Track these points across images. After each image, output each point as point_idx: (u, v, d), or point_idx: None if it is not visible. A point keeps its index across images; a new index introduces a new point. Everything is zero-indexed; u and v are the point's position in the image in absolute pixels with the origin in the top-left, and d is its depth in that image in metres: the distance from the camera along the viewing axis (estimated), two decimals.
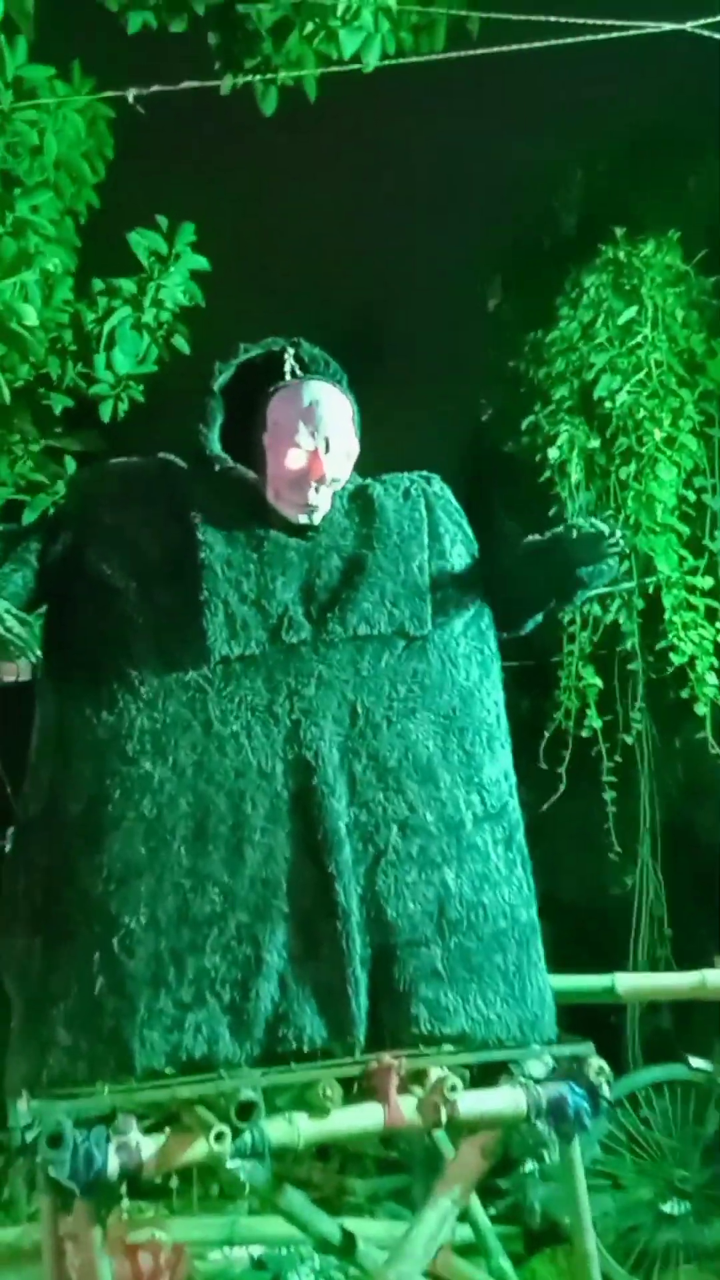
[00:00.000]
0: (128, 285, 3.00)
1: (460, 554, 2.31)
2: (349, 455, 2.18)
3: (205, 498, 2.15)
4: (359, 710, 2.12)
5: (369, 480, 2.30)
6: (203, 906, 1.98)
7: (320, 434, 2.11)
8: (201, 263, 3.05)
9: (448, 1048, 2.06)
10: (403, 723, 2.15)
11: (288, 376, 2.23)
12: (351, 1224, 2.82)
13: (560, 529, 2.24)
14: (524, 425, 3.92)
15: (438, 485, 2.36)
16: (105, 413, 3.33)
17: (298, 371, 2.21)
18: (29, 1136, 1.80)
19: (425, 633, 2.20)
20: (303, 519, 2.14)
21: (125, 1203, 1.94)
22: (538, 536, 2.31)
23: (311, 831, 2.04)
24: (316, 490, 2.11)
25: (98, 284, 3.02)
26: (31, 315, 2.52)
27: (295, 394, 2.15)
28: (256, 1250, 3.04)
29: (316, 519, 2.16)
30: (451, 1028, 2.05)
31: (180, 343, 3.28)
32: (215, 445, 2.22)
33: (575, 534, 2.16)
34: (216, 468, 2.20)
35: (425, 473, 2.37)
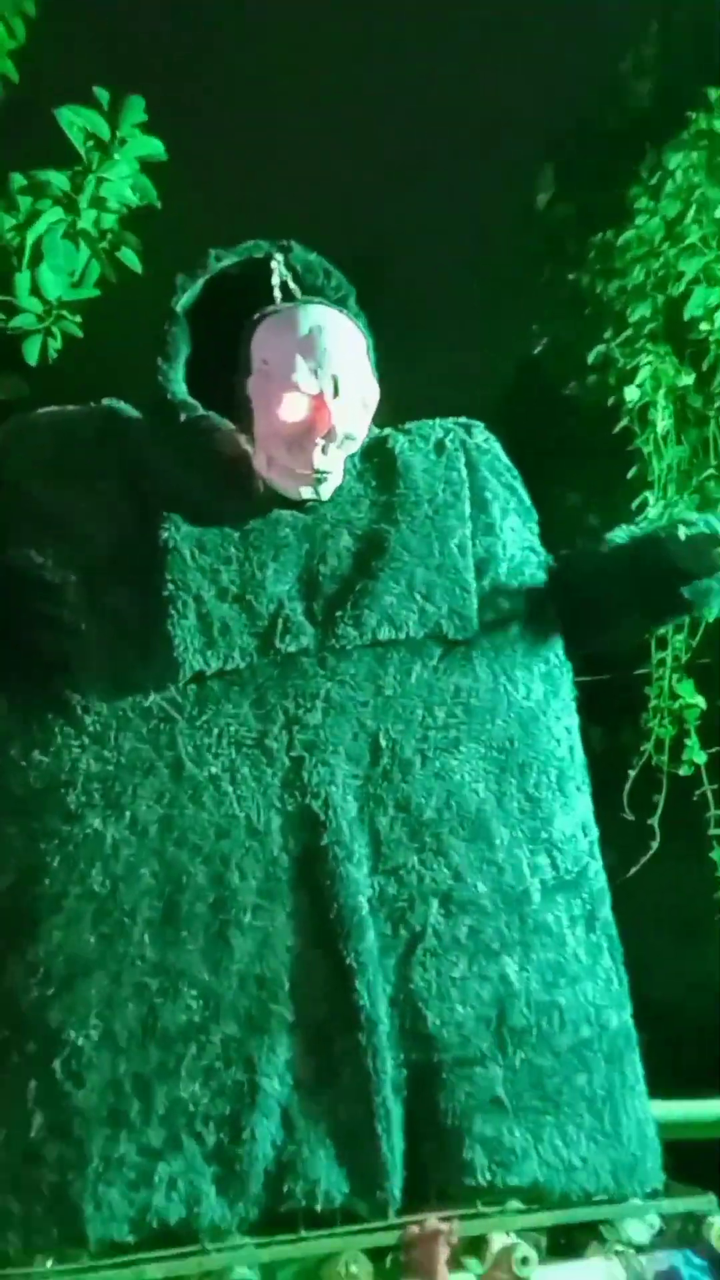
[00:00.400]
0: (58, 180, 2.93)
1: (514, 526, 2.28)
2: (365, 403, 2.12)
3: (167, 458, 2.12)
4: (382, 742, 2.09)
5: (388, 431, 2.27)
6: (175, 1015, 1.93)
7: (326, 372, 2.06)
8: (155, 147, 2.98)
9: (515, 1205, 2.01)
10: (443, 759, 2.11)
11: (277, 295, 2.20)
12: None
13: (659, 527, 2.22)
14: (591, 358, 3.85)
15: (481, 435, 2.33)
16: (31, 353, 3.25)
17: (292, 288, 2.18)
18: None
19: (470, 635, 2.17)
20: (307, 493, 2.10)
21: None
22: (625, 533, 2.28)
23: (322, 910, 2.00)
24: (325, 450, 2.06)
25: (18, 180, 2.95)
26: None
27: (288, 321, 2.11)
28: None
29: (325, 492, 2.11)
30: (519, 1177, 1.99)
31: (130, 257, 3.20)
32: (180, 388, 2.19)
33: (682, 535, 2.11)
34: (182, 418, 2.15)
35: (464, 419, 2.34)
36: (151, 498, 2.07)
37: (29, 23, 3.42)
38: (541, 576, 2.30)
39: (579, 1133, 2.03)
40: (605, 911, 2.19)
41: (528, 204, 4.32)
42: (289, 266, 2.22)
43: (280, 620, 2.06)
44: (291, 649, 2.06)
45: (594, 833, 2.24)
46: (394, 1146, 1.95)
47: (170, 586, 2.02)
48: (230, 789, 2.01)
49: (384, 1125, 1.94)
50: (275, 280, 2.21)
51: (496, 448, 2.34)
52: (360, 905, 2.00)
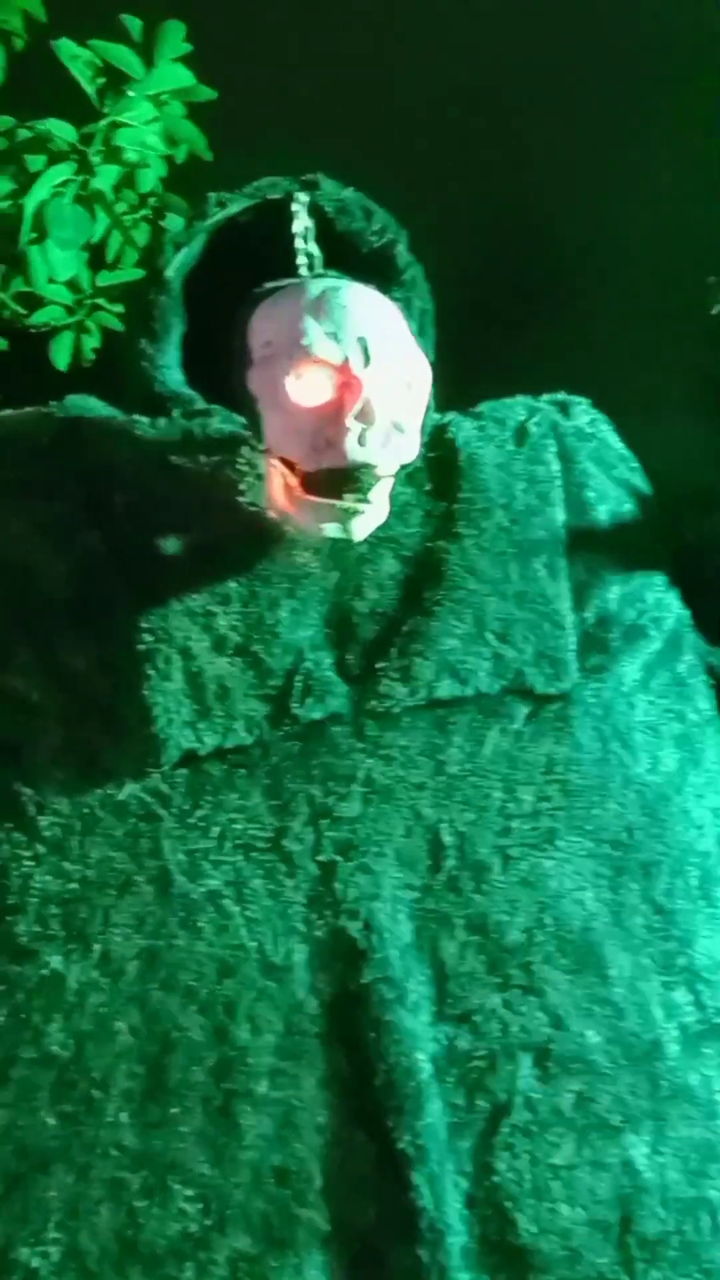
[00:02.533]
0: (63, 130, 2.80)
1: (629, 533, 2.13)
2: (410, 384, 1.90)
3: (151, 471, 1.99)
4: (446, 839, 1.94)
5: (451, 415, 2.13)
6: (165, 1225, 1.78)
7: (348, 334, 1.87)
8: (182, 77, 2.83)
9: None
10: (532, 859, 1.96)
11: (299, 245, 2.10)
12: None
13: None
14: None
15: (583, 416, 2.19)
16: (61, 355, 3.13)
17: (313, 255, 2.08)
18: None
19: (568, 688, 2.02)
20: (333, 532, 1.87)
21: None
22: None
23: (365, 1075, 1.84)
24: (362, 440, 1.83)
25: (4, 124, 2.83)
26: None
27: (294, 290, 1.96)
28: None
29: (360, 531, 1.88)
30: None
31: (176, 223, 3.07)
32: (171, 375, 2.10)
33: None
34: (175, 414, 2.04)
35: (560, 395, 2.21)
36: (124, 522, 1.96)
37: None
38: (673, 600, 2.16)
39: None
40: None
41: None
42: (316, 209, 2.10)
43: (300, 677, 1.93)
44: (317, 716, 1.93)
45: None
46: None
47: (148, 638, 1.90)
48: (236, 909, 1.89)
49: None
50: (296, 227, 2.10)
51: (606, 431, 2.20)
52: (419, 1067, 1.84)
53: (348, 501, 1.84)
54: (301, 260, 2.09)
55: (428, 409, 1.99)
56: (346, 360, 1.87)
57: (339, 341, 1.88)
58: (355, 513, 1.88)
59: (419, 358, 1.96)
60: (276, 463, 1.94)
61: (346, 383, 1.88)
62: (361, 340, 1.88)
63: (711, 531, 2.21)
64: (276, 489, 1.96)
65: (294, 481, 1.90)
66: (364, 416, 1.86)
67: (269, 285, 2.02)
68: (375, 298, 1.98)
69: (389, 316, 1.97)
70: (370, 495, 1.86)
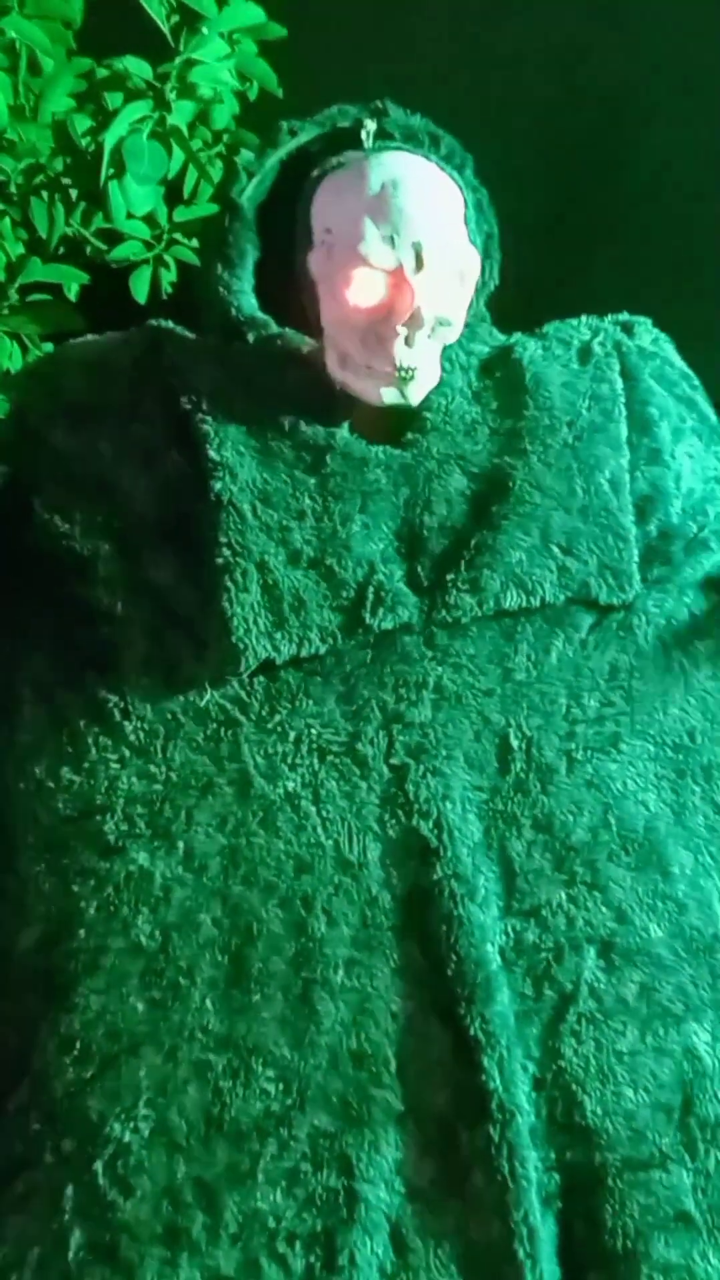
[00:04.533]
0: (138, 67, 2.81)
1: (692, 452, 2.11)
2: (461, 276, 1.98)
3: (227, 391, 2.00)
4: (514, 743, 1.93)
5: (516, 336, 2.13)
6: (249, 1104, 1.78)
7: (405, 238, 1.91)
8: (253, 14, 2.83)
9: None
10: (596, 762, 1.95)
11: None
12: None
13: None
14: None
15: (646, 335, 2.18)
16: (140, 288, 3.17)
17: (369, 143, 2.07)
18: None
19: (630, 598, 2.00)
20: (390, 397, 1.95)
21: None
22: None
23: (437, 965, 1.83)
24: (409, 342, 1.91)
25: (81, 66, 2.84)
26: None
27: (356, 176, 1.97)
28: None
29: (415, 395, 1.96)
30: None
31: (249, 158, 3.06)
32: (247, 300, 2.10)
33: None
34: (250, 338, 2.05)
35: (623, 315, 2.20)
36: (203, 439, 1.96)
37: None
38: None
39: None
40: None
41: None
42: (384, 134, 2.08)
43: (372, 589, 1.92)
44: (388, 625, 1.92)
45: None
46: (543, 1276, 1.75)
47: (226, 552, 1.90)
48: (313, 810, 1.88)
49: (527, 1249, 1.75)
50: (365, 142, 2.08)
51: (668, 349, 2.18)
52: (489, 957, 1.83)
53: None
54: None
55: (480, 302, 2.06)
56: (400, 266, 1.91)
57: (394, 246, 1.91)
58: (410, 378, 1.93)
59: (470, 251, 2.00)
60: (334, 333, 1.96)
61: (399, 286, 1.92)
62: (416, 245, 1.91)
63: None
64: (333, 360, 1.98)
65: (350, 351, 1.94)
66: (413, 322, 1.91)
67: (334, 160, 2.03)
68: (434, 187, 1.98)
69: (446, 208, 1.99)
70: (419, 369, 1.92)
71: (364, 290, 1.93)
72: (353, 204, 1.95)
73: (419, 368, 1.96)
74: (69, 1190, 1.77)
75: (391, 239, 1.91)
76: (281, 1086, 1.80)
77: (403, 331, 1.91)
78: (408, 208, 1.93)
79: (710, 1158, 1.83)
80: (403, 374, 1.94)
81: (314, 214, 2.01)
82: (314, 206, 2.02)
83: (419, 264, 1.91)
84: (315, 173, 2.04)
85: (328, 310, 1.98)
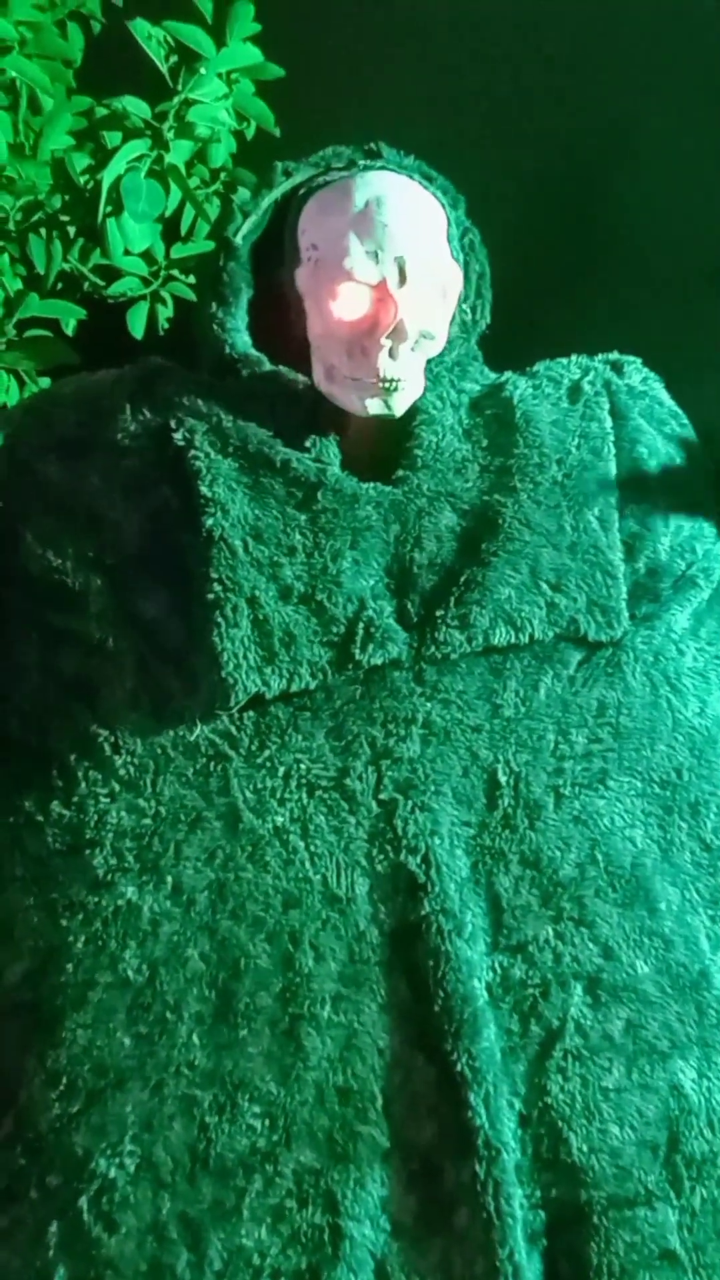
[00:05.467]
0: (137, 106, 2.81)
1: (679, 488, 2.10)
2: (444, 291, 2.00)
3: (220, 427, 2.00)
4: (502, 779, 1.91)
5: (507, 375, 2.12)
6: (234, 1140, 1.77)
7: (388, 254, 1.93)
8: (251, 55, 2.83)
9: None
10: (584, 798, 1.93)
11: None
12: None
13: None
14: None
15: (635, 375, 2.18)
16: (137, 323, 3.16)
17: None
18: None
19: (618, 635, 1.99)
20: (375, 407, 1.96)
21: None
22: None
23: (424, 1001, 1.82)
24: (393, 354, 1.93)
25: (80, 105, 2.84)
26: None
27: (341, 194, 2.00)
28: None
29: (399, 406, 1.98)
30: None
31: (245, 196, 3.06)
32: (240, 338, 2.09)
33: None
34: (243, 374, 2.05)
35: (613, 355, 2.19)
36: (194, 474, 1.95)
37: None
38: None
39: None
40: None
41: None
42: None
43: (362, 625, 1.91)
44: (378, 661, 1.91)
45: None
46: None
47: (217, 588, 1.89)
48: (301, 845, 1.87)
49: None
50: None
51: (656, 388, 2.17)
52: (475, 994, 1.82)
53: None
54: None
55: (471, 341, 2.07)
56: (384, 280, 1.93)
57: (378, 262, 1.93)
58: (394, 389, 1.94)
59: (452, 266, 2.02)
60: (320, 347, 1.97)
61: (383, 300, 1.93)
62: (399, 260, 1.93)
63: None
64: (320, 373, 1.99)
65: (336, 364, 1.94)
66: (396, 334, 1.93)
67: (318, 181, 2.05)
68: (416, 204, 2.00)
69: (429, 225, 2.00)
70: (402, 381, 1.94)
71: (349, 304, 1.94)
72: (338, 220, 1.97)
73: (403, 379, 1.97)
74: (53, 1226, 1.75)
75: (375, 254, 1.93)
76: (268, 1122, 1.78)
77: (387, 344, 1.93)
78: (391, 224, 1.94)
79: (696, 1195, 1.81)
80: (387, 385, 1.95)
81: (300, 231, 2.03)
82: (300, 223, 2.03)
83: (402, 279, 1.93)
84: (302, 191, 2.06)
85: (314, 324, 1.99)
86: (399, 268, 1.93)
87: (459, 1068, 1.78)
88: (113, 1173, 1.76)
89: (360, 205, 1.96)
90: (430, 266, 1.97)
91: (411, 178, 2.05)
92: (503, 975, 1.85)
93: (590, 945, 1.87)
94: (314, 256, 1.99)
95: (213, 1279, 1.73)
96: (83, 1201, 1.75)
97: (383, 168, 2.04)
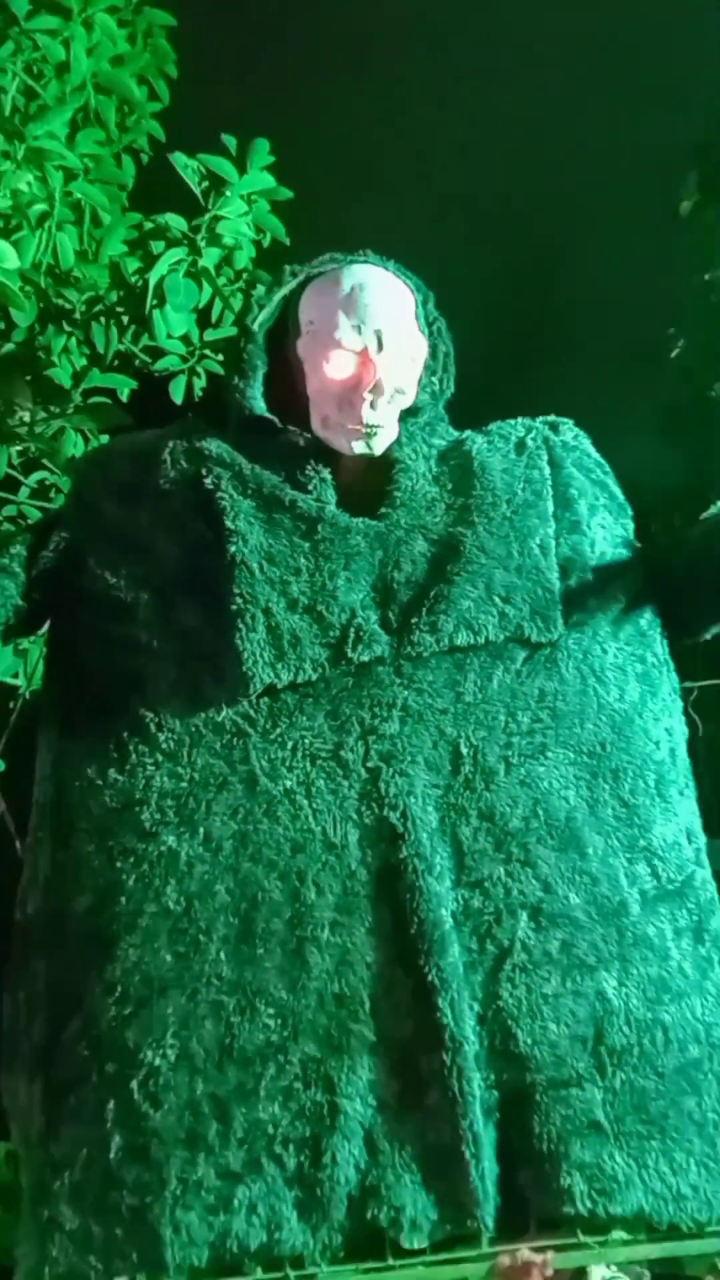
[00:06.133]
0: (176, 221, 2.83)
1: (604, 523, 2.07)
2: (413, 357, 2.02)
3: (239, 474, 1.98)
4: (463, 750, 1.89)
5: (467, 433, 2.10)
6: (253, 1035, 1.75)
7: (368, 328, 1.96)
8: (266, 181, 2.84)
9: (620, 1235, 1.74)
10: (528, 766, 1.90)
11: None
12: None
13: None
14: None
15: (568, 433, 2.14)
16: (177, 392, 3.17)
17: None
18: None
19: (555, 637, 1.95)
20: (359, 448, 1.97)
21: None
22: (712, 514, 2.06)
23: (402, 926, 1.80)
24: (373, 405, 1.95)
25: (131, 220, 2.84)
26: (10, 255, 2.35)
27: (332, 281, 2.01)
28: None
29: (378, 447, 1.98)
30: (622, 1206, 1.73)
31: (260, 295, 3.06)
32: (258, 405, 2.07)
33: None
34: (259, 432, 2.04)
35: (551, 417, 2.15)
36: (220, 512, 1.93)
37: (171, 83, 3.36)
38: (636, 572, 2.07)
39: (688, 1159, 1.76)
40: (715, 923, 1.93)
41: (673, 210, 4.00)
42: None
43: (353, 630, 1.88)
44: (365, 658, 1.88)
45: (700, 839, 1.98)
46: (485, 1172, 1.72)
47: (239, 601, 1.87)
48: (305, 803, 1.84)
49: (473, 1150, 1.71)
50: None
51: (585, 444, 2.14)
52: (443, 920, 1.80)
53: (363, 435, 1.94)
54: None
55: (439, 406, 2.07)
56: (366, 348, 1.95)
57: (360, 333, 1.95)
58: (374, 434, 1.96)
59: (419, 338, 2.04)
60: (317, 401, 1.98)
61: (365, 363, 1.95)
62: (378, 332, 1.95)
63: (677, 533, 2.14)
64: (317, 421, 1.99)
65: (329, 414, 1.96)
66: (376, 390, 1.95)
67: (314, 271, 2.05)
68: (392, 290, 2.02)
69: (401, 305, 2.02)
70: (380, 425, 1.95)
71: (339, 366, 1.96)
72: (330, 301, 1.98)
73: (381, 425, 1.97)
74: (110, 1104, 1.74)
75: (359, 327, 1.95)
76: (279, 1022, 1.77)
77: (369, 398, 1.94)
78: (371, 304, 1.97)
79: (616, 1078, 1.79)
80: (369, 430, 1.96)
81: (301, 310, 2.03)
82: (301, 304, 2.04)
83: (380, 346, 1.95)
84: (301, 278, 2.06)
85: (312, 383, 1.99)
86: (378, 338, 1.95)
87: (430, 978, 1.77)
88: (157, 1061, 1.74)
89: (347, 289, 1.98)
90: (402, 337, 1.98)
91: (387, 268, 2.05)
92: (464, 905, 1.83)
93: (533, 881, 1.85)
94: (311, 330, 2.00)
95: (236, 1145, 1.72)
96: (133, 1084, 1.74)
97: (365, 262, 2.05)
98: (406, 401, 2.00)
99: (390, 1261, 1.69)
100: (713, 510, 2.06)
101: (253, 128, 3.13)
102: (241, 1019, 1.75)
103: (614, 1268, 1.77)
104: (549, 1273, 1.70)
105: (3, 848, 2.77)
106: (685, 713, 2.09)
